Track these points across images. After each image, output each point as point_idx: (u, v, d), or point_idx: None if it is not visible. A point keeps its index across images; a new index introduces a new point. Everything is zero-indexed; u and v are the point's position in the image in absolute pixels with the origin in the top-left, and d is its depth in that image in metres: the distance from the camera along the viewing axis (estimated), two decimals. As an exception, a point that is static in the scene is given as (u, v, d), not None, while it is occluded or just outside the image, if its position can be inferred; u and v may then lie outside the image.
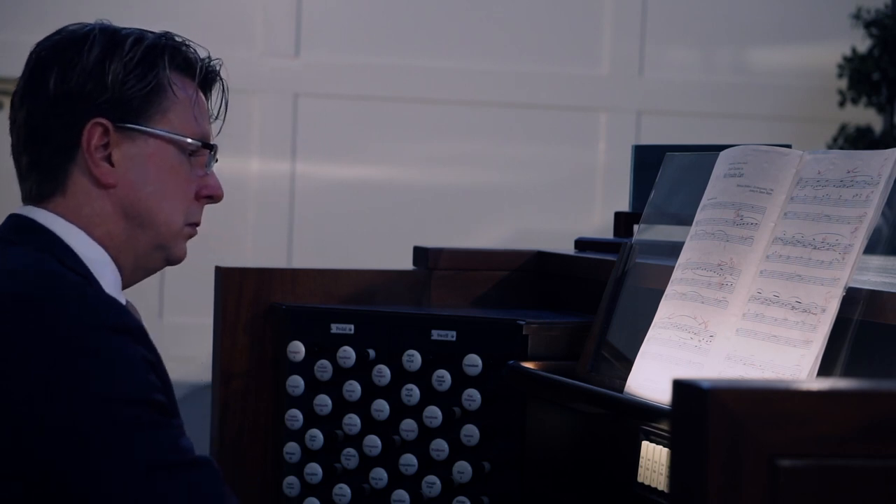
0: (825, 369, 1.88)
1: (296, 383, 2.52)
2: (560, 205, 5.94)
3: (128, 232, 1.96)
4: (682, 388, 1.07)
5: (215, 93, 2.07)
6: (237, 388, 2.58)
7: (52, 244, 1.91)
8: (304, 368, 2.51)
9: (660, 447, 2.00)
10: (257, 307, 2.58)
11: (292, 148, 5.69)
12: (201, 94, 2.03)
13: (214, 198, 2.04)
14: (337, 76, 5.74)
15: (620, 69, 5.99)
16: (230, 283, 2.57)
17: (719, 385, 1.05)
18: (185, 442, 1.81)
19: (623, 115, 6.00)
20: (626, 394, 2.11)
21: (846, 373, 1.87)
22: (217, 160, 2.05)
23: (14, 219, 1.96)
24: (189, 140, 1.99)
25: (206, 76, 2.04)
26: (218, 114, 2.07)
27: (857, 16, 5.66)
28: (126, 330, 1.80)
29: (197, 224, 2.03)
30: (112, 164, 1.95)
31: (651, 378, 2.08)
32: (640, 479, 2.04)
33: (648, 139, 5.88)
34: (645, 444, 2.03)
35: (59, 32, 2.00)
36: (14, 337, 1.76)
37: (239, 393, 2.58)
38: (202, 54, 2.05)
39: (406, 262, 2.74)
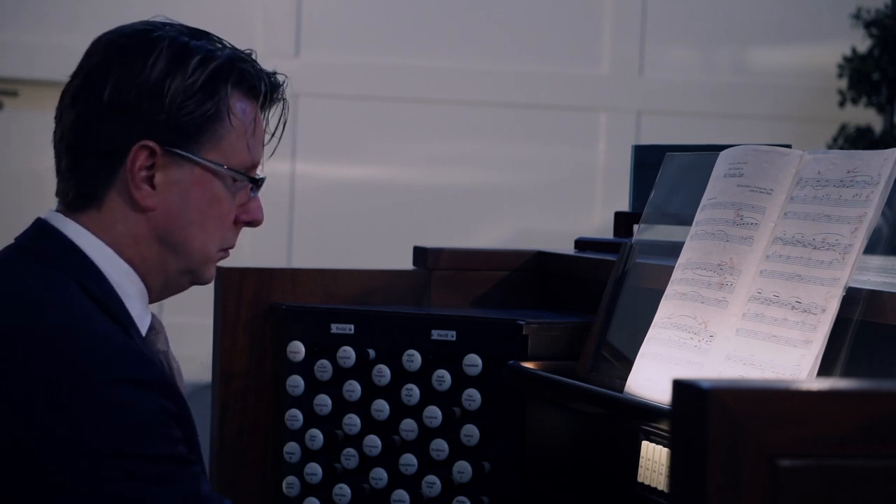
0: (825, 369, 1.88)
1: (296, 383, 2.52)
2: (560, 205, 5.94)
3: (160, 256, 1.91)
4: (682, 388, 1.07)
5: (276, 108, 2.00)
6: (237, 388, 2.58)
7: (79, 265, 1.85)
8: (304, 368, 2.51)
9: (660, 447, 2.00)
10: (257, 307, 2.58)
11: (292, 148, 5.69)
12: (260, 118, 1.97)
13: (254, 223, 1.98)
14: (337, 76, 5.74)
15: (620, 69, 5.99)
16: (230, 283, 2.57)
17: (719, 385, 1.05)
18: (205, 490, 1.78)
19: (623, 115, 6.00)
20: (626, 394, 2.11)
21: (846, 373, 1.87)
22: (264, 183, 1.98)
23: (42, 227, 1.90)
24: (235, 174, 1.93)
25: (270, 98, 1.97)
26: (275, 132, 2.01)
27: (857, 16, 5.66)
28: (147, 383, 1.75)
29: (231, 247, 1.98)
30: (153, 187, 1.88)
31: (651, 378, 2.08)
32: (640, 479, 2.04)
33: (648, 139, 5.88)
34: (645, 444, 2.03)
35: (126, 28, 1.92)
36: (31, 381, 1.72)
37: (239, 393, 2.58)
38: (268, 70, 1.98)
39: (406, 262, 2.74)
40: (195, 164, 1.90)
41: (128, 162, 1.87)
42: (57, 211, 1.92)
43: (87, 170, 1.90)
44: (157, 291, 1.95)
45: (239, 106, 1.93)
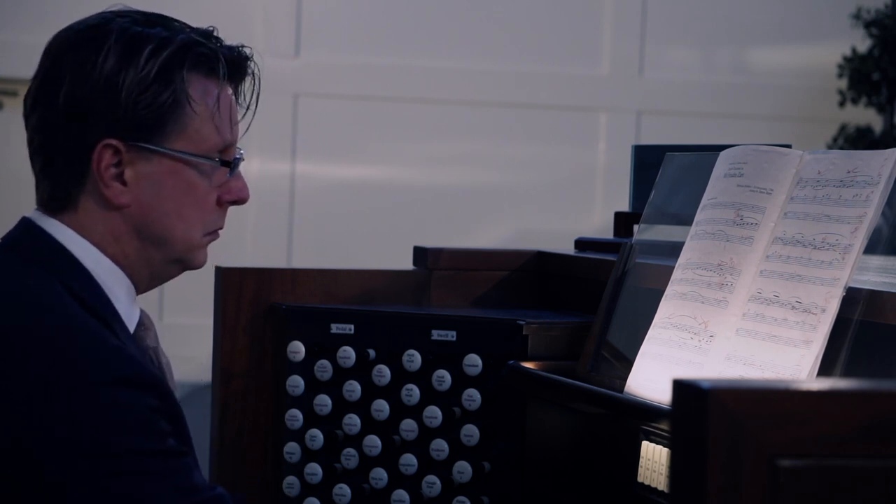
0: (825, 369, 1.88)
1: (296, 383, 2.52)
2: (560, 205, 5.93)
3: (142, 250, 1.90)
4: (682, 388, 1.07)
5: (248, 82, 1.96)
6: (237, 388, 2.58)
7: (64, 264, 1.85)
8: (304, 368, 2.51)
9: (660, 447, 2.00)
10: (257, 307, 2.58)
11: (292, 148, 5.69)
12: (226, 94, 1.93)
13: (239, 201, 1.96)
14: (337, 76, 5.73)
15: (620, 69, 5.99)
16: (230, 283, 2.57)
17: (719, 385, 1.05)
18: (199, 480, 1.79)
19: (623, 115, 5.99)
20: (626, 394, 2.11)
21: (846, 373, 1.87)
22: (243, 160, 1.96)
23: (27, 226, 1.89)
24: (205, 160, 1.90)
25: (232, 72, 1.93)
26: (249, 106, 1.97)
27: (857, 16, 5.66)
28: (134, 382, 1.75)
29: (219, 229, 1.96)
30: (125, 184, 1.87)
31: (651, 378, 2.08)
32: (640, 479, 2.04)
33: (648, 139, 5.88)
34: (645, 444, 2.03)
35: (77, 25, 1.90)
36: (30, 381, 1.72)
37: (239, 393, 2.58)
38: (230, 44, 1.94)
39: (406, 262, 2.74)
40: (163, 156, 1.88)
41: (93, 164, 1.86)
42: (39, 211, 1.92)
43: (57, 172, 1.89)
44: (146, 284, 1.94)
45: (200, 89, 1.89)
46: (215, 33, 1.95)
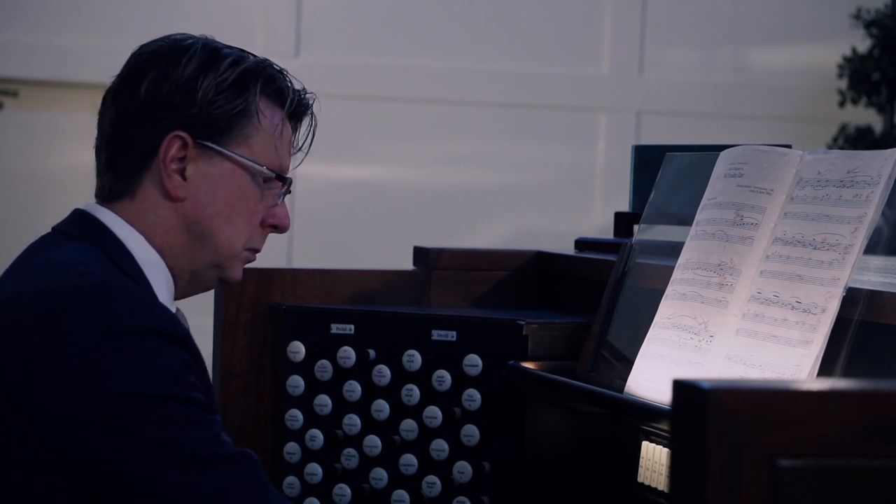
0: (825, 369, 1.88)
1: (296, 383, 2.52)
2: (560, 205, 5.93)
3: (187, 245, 1.99)
4: (682, 389, 1.07)
5: (304, 126, 2.09)
6: (237, 388, 2.58)
7: (112, 245, 1.94)
8: (304, 368, 2.51)
9: (660, 447, 2.00)
10: (257, 307, 2.58)
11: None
12: (288, 126, 2.05)
13: (279, 228, 2.06)
14: (337, 76, 5.73)
15: (620, 69, 5.99)
16: (230, 283, 2.57)
17: (719, 385, 1.05)
18: (225, 436, 1.85)
19: (623, 115, 5.99)
20: (626, 394, 2.11)
21: (846, 373, 1.87)
22: (290, 192, 2.06)
23: (78, 214, 1.99)
24: (264, 169, 2.01)
25: (296, 108, 2.06)
26: (302, 146, 2.10)
27: (857, 16, 5.66)
28: (171, 336, 1.82)
29: (257, 250, 2.06)
30: (185, 179, 1.97)
31: (651, 378, 2.08)
32: (640, 479, 2.04)
33: (648, 139, 5.88)
34: (645, 444, 2.03)
35: (163, 39, 2.03)
36: (60, 331, 1.78)
37: (239, 393, 2.58)
38: (297, 86, 2.07)
39: (406, 262, 2.74)
40: (225, 158, 1.99)
41: (161, 152, 1.97)
42: (93, 202, 2.01)
43: (123, 162, 1.99)
44: (185, 284, 2.02)
45: (268, 111, 2.02)
46: (286, 72, 2.08)
